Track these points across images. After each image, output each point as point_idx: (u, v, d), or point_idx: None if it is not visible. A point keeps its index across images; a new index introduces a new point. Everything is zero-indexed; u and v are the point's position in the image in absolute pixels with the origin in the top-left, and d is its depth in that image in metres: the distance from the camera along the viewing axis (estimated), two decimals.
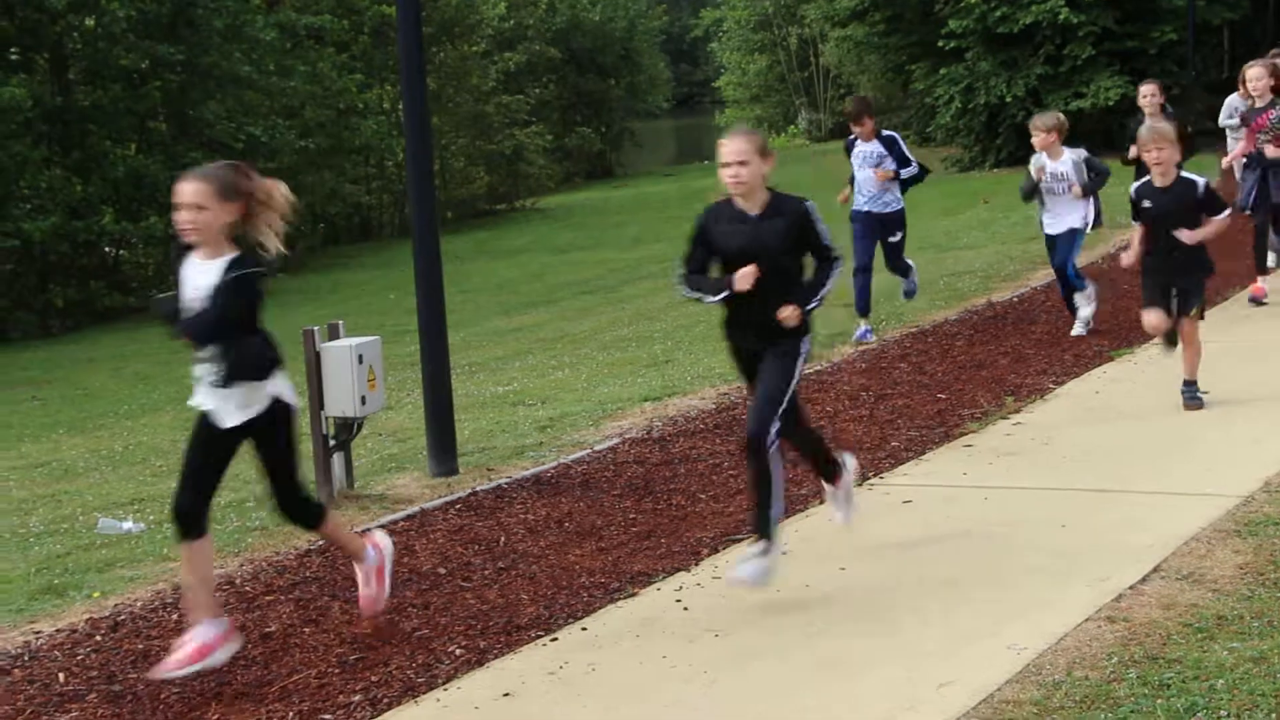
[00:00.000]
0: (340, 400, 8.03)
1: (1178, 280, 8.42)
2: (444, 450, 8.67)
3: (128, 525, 8.16)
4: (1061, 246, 11.31)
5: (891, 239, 12.03)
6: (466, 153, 38.65)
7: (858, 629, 5.54)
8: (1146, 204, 8.46)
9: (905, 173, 11.82)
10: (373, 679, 5.47)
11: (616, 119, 56.32)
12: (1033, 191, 11.35)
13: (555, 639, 5.75)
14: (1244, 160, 12.25)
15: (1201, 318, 8.54)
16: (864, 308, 12.07)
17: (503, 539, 7.21)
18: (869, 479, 7.69)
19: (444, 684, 5.38)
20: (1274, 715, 4.36)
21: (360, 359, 8.02)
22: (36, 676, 5.79)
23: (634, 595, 6.20)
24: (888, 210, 11.91)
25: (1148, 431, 8.19)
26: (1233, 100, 14.27)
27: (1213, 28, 31.65)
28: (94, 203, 25.94)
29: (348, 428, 8.19)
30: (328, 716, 5.18)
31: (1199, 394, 8.57)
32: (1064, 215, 11.24)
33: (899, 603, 5.78)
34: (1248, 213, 11.95)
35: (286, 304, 23.59)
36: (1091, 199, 11.26)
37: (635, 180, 47.84)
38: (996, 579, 5.94)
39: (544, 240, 29.67)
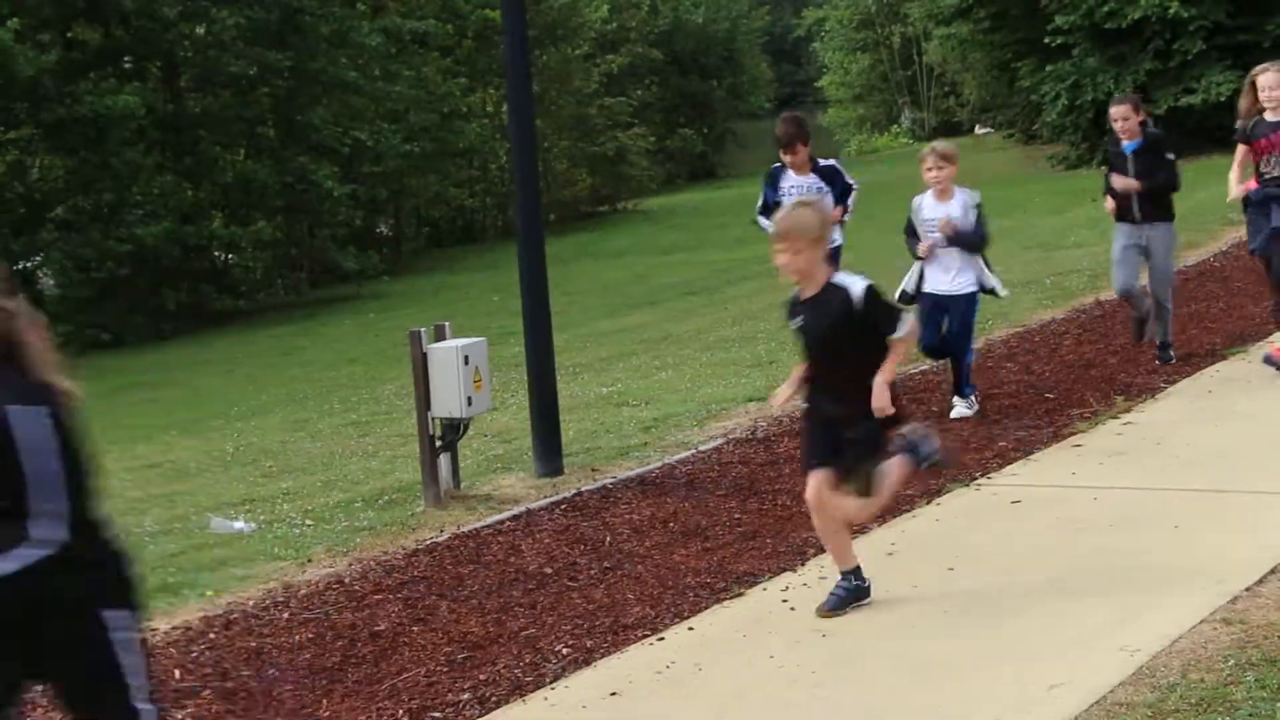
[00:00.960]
0: (447, 401, 8.10)
1: (844, 429, 5.72)
2: (549, 451, 8.72)
3: (239, 525, 8.30)
4: (956, 313, 8.95)
5: None
6: (569, 155, 38.83)
7: (966, 630, 5.48)
8: (797, 321, 5.81)
9: (852, 201, 10.01)
10: (481, 678, 5.51)
11: (718, 120, 56.34)
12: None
13: (662, 639, 5.76)
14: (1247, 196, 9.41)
15: (868, 494, 5.76)
16: None
17: (608, 539, 7.23)
18: (976, 479, 7.61)
19: (551, 683, 5.41)
20: None
21: (466, 360, 8.08)
22: (153, 673, 5.86)
23: (740, 595, 6.19)
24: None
25: (1262, 430, 8.02)
26: None
27: None
28: (204, 207, 26.44)
29: (454, 428, 8.26)
30: (437, 715, 5.23)
31: (843, 589, 5.85)
32: (954, 273, 8.92)
33: (1008, 603, 5.71)
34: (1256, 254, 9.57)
35: (391, 307, 23.88)
36: (986, 265, 9.01)
37: (738, 181, 47.75)
38: (1107, 580, 5.85)
39: (647, 242, 29.73)
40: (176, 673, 5.86)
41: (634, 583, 6.50)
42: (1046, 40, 30.29)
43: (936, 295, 8.97)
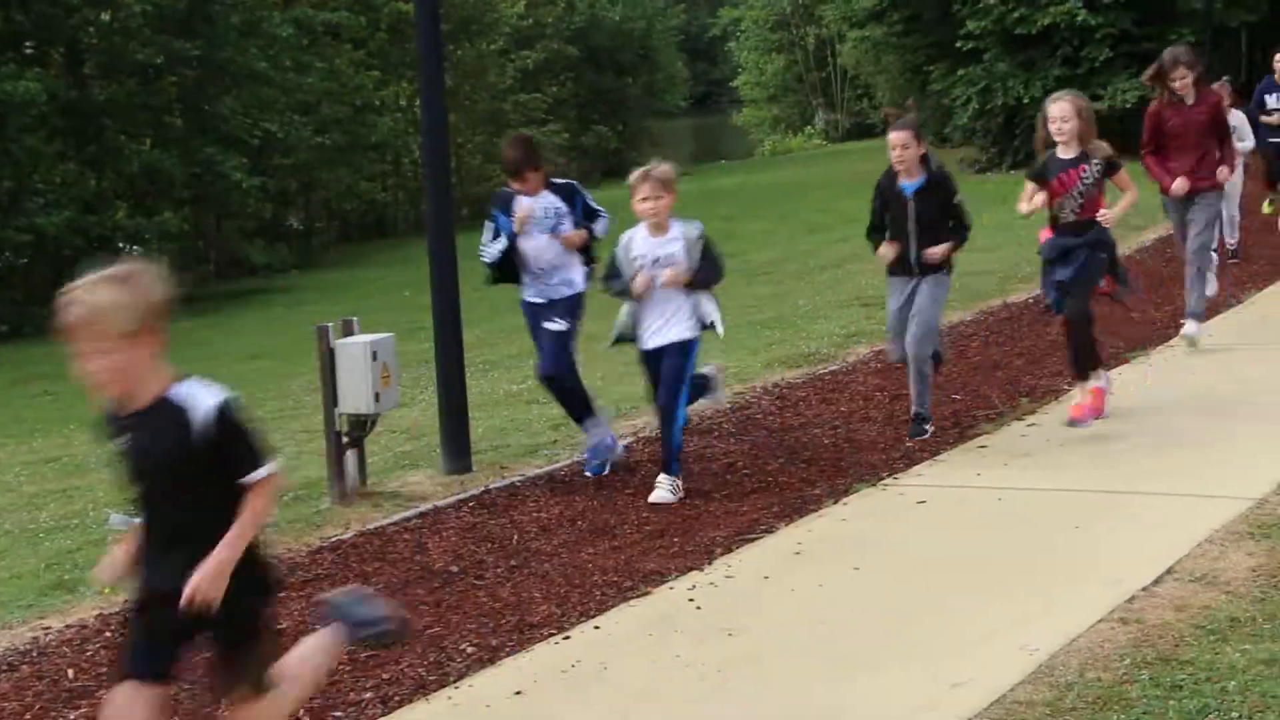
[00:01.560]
0: (354, 397, 8.02)
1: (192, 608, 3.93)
2: (457, 448, 8.66)
3: (139, 520, 8.15)
4: (669, 368, 7.61)
5: (550, 325, 8.36)
6: (483, 150, 38.67)
7: (872, 629, 5.51)
8: (122, 442, 4.09)
9: (600, 228, 8.44)
10: (384, 676, 5.46)
11: (633, 118, 56.33)
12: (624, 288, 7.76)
13: (568, 637, 5.74)
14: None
15: (257, 692, 4.11)
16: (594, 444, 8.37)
17: (515, 537, 7.20)
18: (883, 479, 7.66)
19: (455, 682, 5.37)
20: None
21: (375, 356, 8.00)
22: (45, 672, 5.79)
23: (647, 594, 6.18)
24: (559, 296, 8.36)
25: (1162, 433, 8.14)
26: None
27: (1231, 30, 31.55)
28: (108, 197, 25.99)
29: (361, 425, 8.18)
30: (338, 714, 5.18)
31: None
32: (669, 318, 7.68)
33: (913, 603, 5.75)
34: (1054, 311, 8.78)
35: (301, 301, 23.64)
36: (706, 297, 7.73)
37: None
38: (1010, 580, 5.92)
39: None
40: (70, 672, 5.75)
41: (541, 581, 6.47)
42: (958, 45, 30.63)
43: (651, 350, 7.74)
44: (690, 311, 7.68)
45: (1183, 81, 10.36)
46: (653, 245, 7.73)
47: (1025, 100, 29.53)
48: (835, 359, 11.31)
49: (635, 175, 7.80)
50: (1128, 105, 28.26)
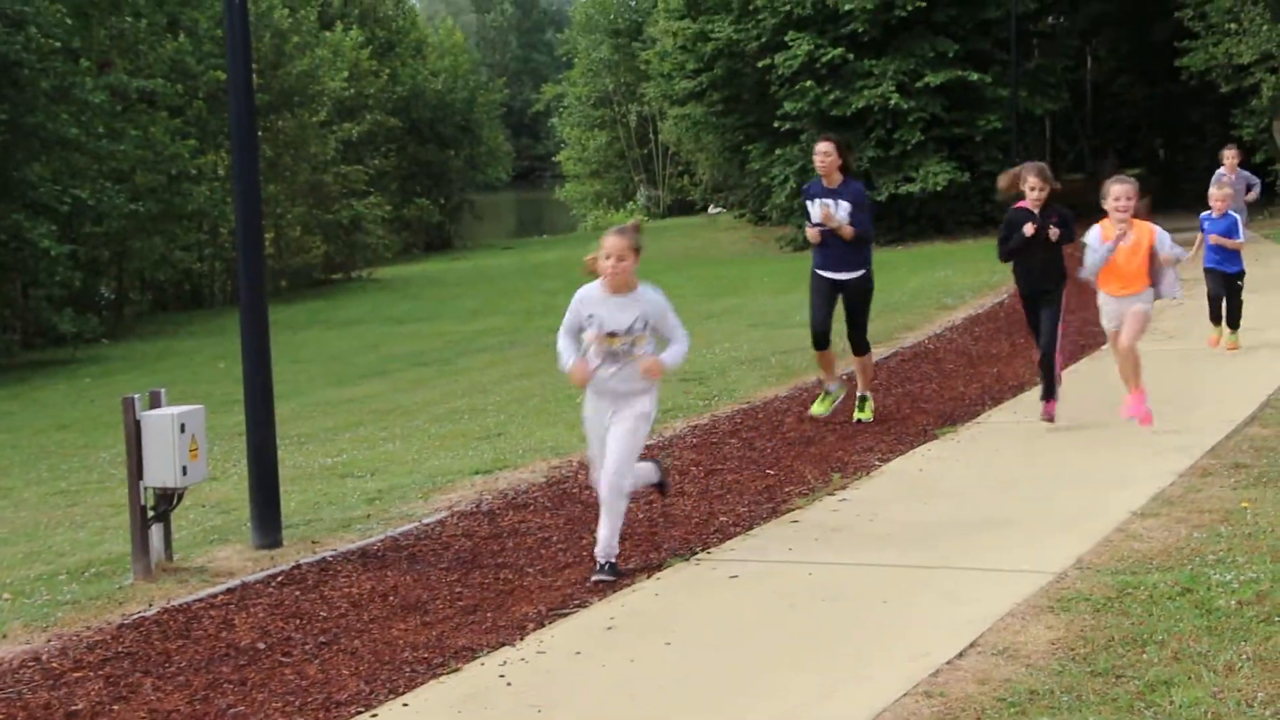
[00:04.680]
0: (160, 470, 7.84)
1: None
2: (268, 522, 8.50)
3: None
4: None
5: None
6: (303, 221, 38.32)
7: (682, 704, 5.52)
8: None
9: None
10: None
11: (456, 190, 56.42)
12: None
13: (375, 715, 5.64)
14: None
15: None
16: None
17: (325, 613, 7.07)
18: (696, 554, 7.71)
19: None
20: None
21: (183, 428, 7.85)
22: None
23: (457, 670, 6.11)
24: None
25: (969, 509, 8.34)
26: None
27: (1035, 117, 32.80)
28: None
29: (168, 498, 8.00)
30: None
31: None
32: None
33: (723, 678, 5.78)
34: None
35: (110, 371, 23.06)
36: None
37: (474, 253, 47.79)
38: (818, 654, 5.98)
39: (380, 311, 29.43)
40: None
41: (350, 658, 6.37)
42: (776, 125, 31.31)
43: None
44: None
45: None
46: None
47: None
48: (652, 433, 11.37)
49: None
50: (939, 188, 29.15)
